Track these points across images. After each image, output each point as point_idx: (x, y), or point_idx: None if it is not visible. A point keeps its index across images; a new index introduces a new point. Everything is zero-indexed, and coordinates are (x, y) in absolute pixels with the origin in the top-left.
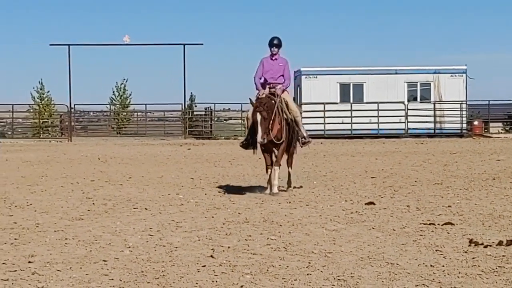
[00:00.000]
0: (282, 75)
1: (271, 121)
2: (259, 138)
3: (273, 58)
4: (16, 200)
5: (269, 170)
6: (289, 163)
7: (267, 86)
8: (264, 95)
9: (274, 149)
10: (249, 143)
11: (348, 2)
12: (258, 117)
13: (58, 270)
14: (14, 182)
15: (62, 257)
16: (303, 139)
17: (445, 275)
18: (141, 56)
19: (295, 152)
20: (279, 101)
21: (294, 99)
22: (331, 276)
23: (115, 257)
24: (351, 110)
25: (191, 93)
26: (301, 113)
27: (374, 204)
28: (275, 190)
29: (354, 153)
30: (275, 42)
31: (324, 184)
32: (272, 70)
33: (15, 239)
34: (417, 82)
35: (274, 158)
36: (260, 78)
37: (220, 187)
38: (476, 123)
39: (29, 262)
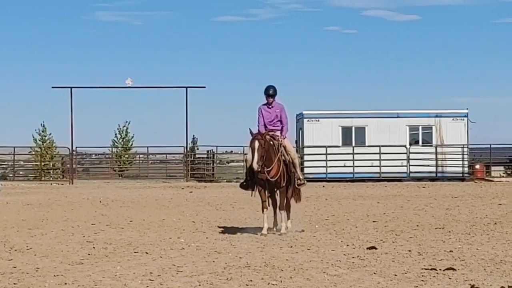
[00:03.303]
0: (280, 121)
1: (267, 154)
2: (254, 163)
3: (270, 106)
4: (16, 244)
5: (264, 210)
6: (288, 207)
7: (266, 131)
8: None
9: (273, 190)
10: (248, 184)
11: (351, 45)
12: (256, 144)
13: None
14: (15, 226)
15: None
16: (298, 180)
17: None
18: (144, 99)
19: (297, 195)
20: (278, 144)
21: (296, 142)
22: None
23: None
24: (353, 154)
25: (193, 135)
26: (298, 157)
27: (375, 248)
28: (283, 230)
29: (356, 197)
30: (270, 92)
31: (325, 228)
32: (270, 116)
33: (14, 283)
34: (419, 125)
35: (273, 197)
36: (263, 125)
37: (221, 231)
38: (477, 166)
39: None
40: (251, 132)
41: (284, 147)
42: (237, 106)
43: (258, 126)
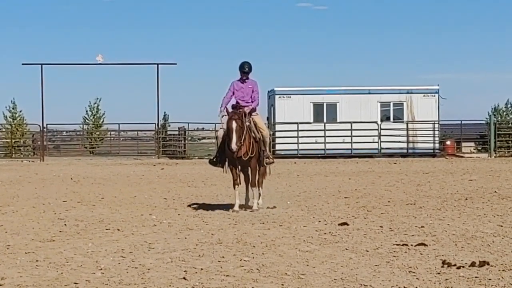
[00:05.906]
0: (252, 97)
1: (243, 134)
2: (233, 145)
3: (243, 82)
4: None
5: (236, 186)
6: (259, 183)
7: (242, 110)
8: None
9: (244, 167)
10: (217, 160)
11: (323, 22)
12: (234, 124)
13: None
14: None
15: (33, 280)
16: (267, 159)
17: None
18: (115, 76)
19: (265, 172)
20: (248, 120)
21: (268, 119)
22: None
23: (87, 279)
24: (324, 130)
25: (165, 112)
26: (270, 134)
27: (347, 224)
28: (255, 207)
29: (328, 173)
30: (246, 69)
31: (297, 204)
32: (242, 92)
33: None
34: (390, 102)
35: (241, 174)
36: (229, 100)
37: (193, 207)
38: (448, 142)
39: None
40: (227, 112)
41: (255, 124)
42: (208, 83)
43: (223, 98)
